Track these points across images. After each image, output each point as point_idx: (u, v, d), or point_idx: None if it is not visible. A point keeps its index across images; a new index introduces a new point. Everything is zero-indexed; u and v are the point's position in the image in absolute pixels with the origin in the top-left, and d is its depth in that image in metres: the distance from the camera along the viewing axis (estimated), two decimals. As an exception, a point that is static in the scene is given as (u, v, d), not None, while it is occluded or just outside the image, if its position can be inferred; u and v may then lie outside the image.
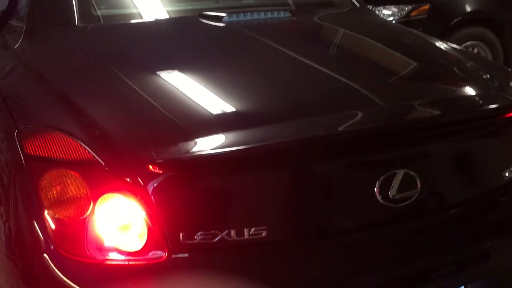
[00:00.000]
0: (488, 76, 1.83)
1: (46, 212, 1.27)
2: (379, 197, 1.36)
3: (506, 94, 1.68)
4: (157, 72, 1.62)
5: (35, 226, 1.28)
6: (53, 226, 1.27)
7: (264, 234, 1.29)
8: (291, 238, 1.35)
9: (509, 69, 2.20)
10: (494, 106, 1.61)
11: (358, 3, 2.48)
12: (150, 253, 1.26)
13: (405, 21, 4.15)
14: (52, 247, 1.26)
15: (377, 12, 4.14)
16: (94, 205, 1.26)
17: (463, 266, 1.48)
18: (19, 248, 1.34)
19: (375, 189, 1.35)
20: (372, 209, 1.38)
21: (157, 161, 1.25)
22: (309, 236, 1.36)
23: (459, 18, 4.33)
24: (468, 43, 4.36)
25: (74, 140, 1.32)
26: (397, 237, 1.42)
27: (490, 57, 4.41)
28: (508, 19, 4.44)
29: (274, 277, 1.30)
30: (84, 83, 1.61)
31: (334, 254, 1.37)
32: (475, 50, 4.39)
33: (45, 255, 1.27)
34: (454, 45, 2.24)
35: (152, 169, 1.24)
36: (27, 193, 1.32)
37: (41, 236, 1.27)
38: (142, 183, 1.24)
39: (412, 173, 1.38)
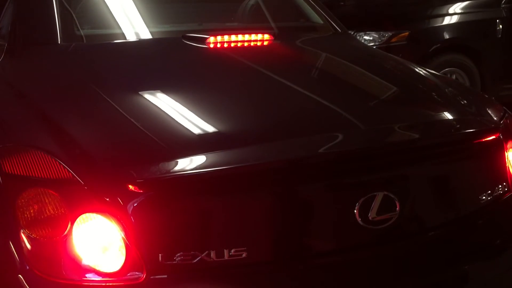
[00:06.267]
0: (465, 101, 1.87)
1: (22, 231, 1.25)
2: (358, 219, 1.36)
3: (483, 119, 1.72)
4: (139, 92, 1.62)
5: (10, 246, 1.26)
6: (29, 246, 1.25)
7: (244, 255, 1.28)
8: (271, 259, 1.35)
9: (486, 95, 2.24)
10: (471, 130, 1.64)
11: (340, 28, 2.52)
12: (128, 274, 1.24)
13: (386, 47, 4.22)
14: (28, 267, 1.24)
15: (358, 37, 4.21)
16: (71, 225, 1.24)
17: (442, 289, 1.49)
18: (-7, 268, 1.31)
19: (355, 211, 1.36)
20: (352, 231, 1.38)
21: (137, 181, 1.24)
22: (289, 257, 1.36)
23: (438, 45, 4.42)
24: (447, 69, 4.45)
25: (53, 159, 1.31)
26: (377, 259, 1.42)
27: (468, 83, 4.50)
28: (485, 47, 4.55)
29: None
30: (65, 102, 1.60)
31: (314, 276, 1.36)
32: (454, 76, 4.48)
33: (20, 275, 1.24)
34: (433, 71, 2.29)
35: (131, 189, 1.23)
36: (3, 212, 1.30)
37: (16, 256, 1.25)
38: (121, 203, 1.23)
39: (392, 195, 1.39)
